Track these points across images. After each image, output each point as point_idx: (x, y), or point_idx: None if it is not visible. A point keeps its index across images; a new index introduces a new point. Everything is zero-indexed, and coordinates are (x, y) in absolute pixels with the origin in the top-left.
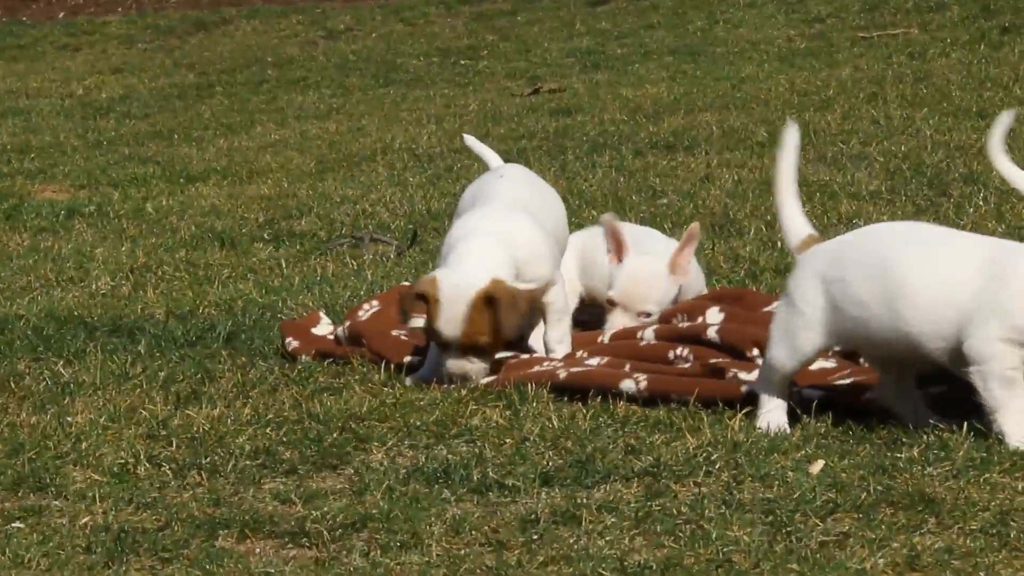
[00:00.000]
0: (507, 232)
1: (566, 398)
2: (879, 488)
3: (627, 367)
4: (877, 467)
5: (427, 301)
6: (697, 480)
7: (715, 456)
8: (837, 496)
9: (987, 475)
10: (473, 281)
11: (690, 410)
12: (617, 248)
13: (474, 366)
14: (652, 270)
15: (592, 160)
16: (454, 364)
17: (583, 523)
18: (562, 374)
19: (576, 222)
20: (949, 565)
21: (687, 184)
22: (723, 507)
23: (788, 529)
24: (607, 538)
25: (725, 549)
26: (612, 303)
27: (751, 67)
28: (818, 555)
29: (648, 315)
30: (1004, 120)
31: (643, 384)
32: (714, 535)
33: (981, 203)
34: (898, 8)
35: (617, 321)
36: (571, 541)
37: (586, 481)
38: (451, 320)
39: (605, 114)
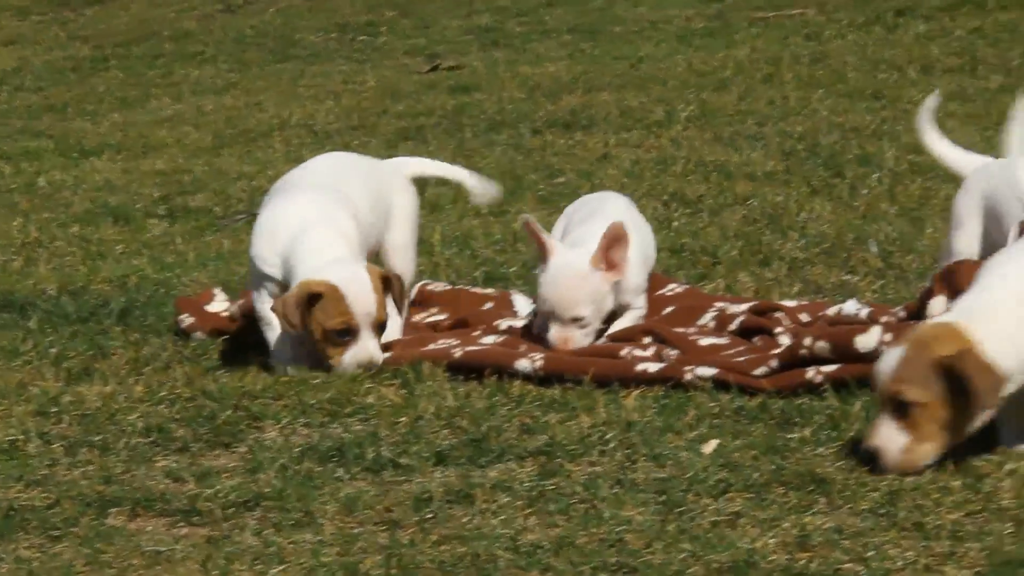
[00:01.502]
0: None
1: (461, 377)
2: (771, 468)
3: (523, 347)
4: (769, 447)
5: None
6: (591, 460)
7: (609, 436)
8: (729, 476)
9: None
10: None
11: (585, 389)
12: (541, 250)
13: (575, 334)
14: (576, 270)
15: (490, 138)
16: (558, 332)
17: (477, 502)
18: (457, 353)
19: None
20: (839, 544)
21: (585, 163)
22: (616, 487)
23: (680, 509)
24: (501, 517)
25: (618, 529)
26: (543, 314)
27: (649, 46)
28: (710, 534)
29: (581, 320)
30: (930, 103)
31: (539, 363)
32: (607, 515)
33: (875, 184)
34: None
35: (555, 335)
36: (464, 520)
37: (480, 460)
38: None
39: (503, 92)
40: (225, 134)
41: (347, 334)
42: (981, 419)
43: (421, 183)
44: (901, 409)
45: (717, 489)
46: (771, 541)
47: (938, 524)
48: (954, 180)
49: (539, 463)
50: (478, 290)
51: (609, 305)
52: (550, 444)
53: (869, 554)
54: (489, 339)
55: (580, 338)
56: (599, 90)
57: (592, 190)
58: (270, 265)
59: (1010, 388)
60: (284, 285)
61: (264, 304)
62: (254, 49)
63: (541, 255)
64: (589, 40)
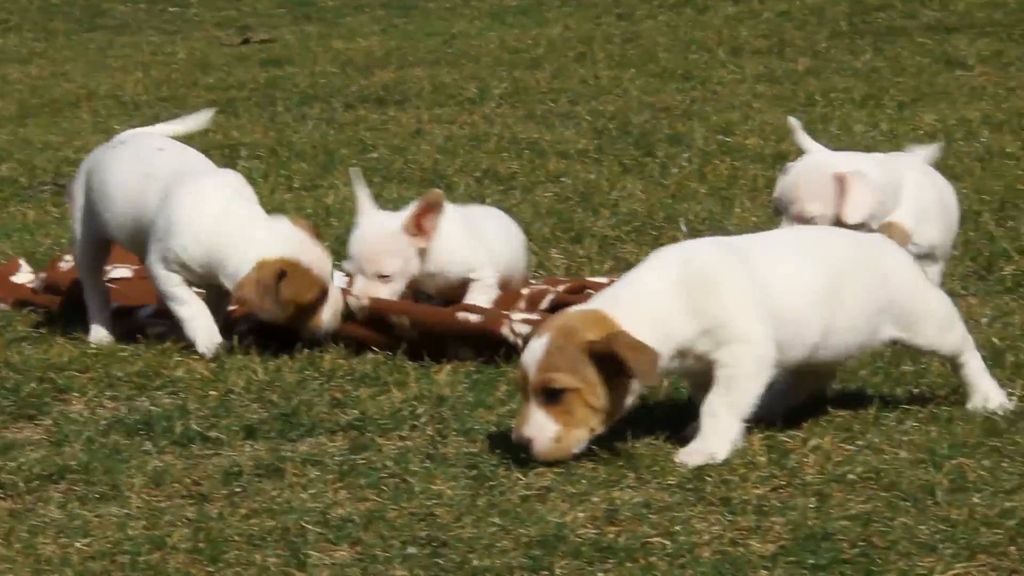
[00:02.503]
0: None
1: (271, 351)
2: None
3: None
4: None
5: None
6: (402, 434)
7: (420, 410)
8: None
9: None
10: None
11: (397, 363)
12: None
13: None
14: (385, 229)
15: (302, 112)
16: (362, 285)
17: (287, 476)
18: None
19: (285, 175)
20: (647, 519)
21: (398, 139)
22: (427, 461)
23: (491, 483)
24: (311, 491)
25: (428, 503)
26: (351, 270)
27: (462, 23)
28: (519, 509)
29: (387, 278)
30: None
31: (364, 302)
32: (418, 489)
33: (685, 164)
34: None
35: (359, 287)
36: (274, 494)
37: (291, 434)
38: None
39: (316, 66)
40: (30, 104)
41: (322, 300)
42: (632, 398)
43: (231, 158)
44: (551, 397)
45: (527, 464)
46: (580, 515)
47: (744, 499)
48: (763, 161)
49: (350, 437)
50: None
51: (414, 269)
52: (361, 418)
53: (676, 528)
54: None
55: (385, 294)
56: (412, 66)
57: (405, 167)
58: (192, 256)
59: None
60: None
61: (175, 287)
62: (60, 18)
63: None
64: (402, 16)
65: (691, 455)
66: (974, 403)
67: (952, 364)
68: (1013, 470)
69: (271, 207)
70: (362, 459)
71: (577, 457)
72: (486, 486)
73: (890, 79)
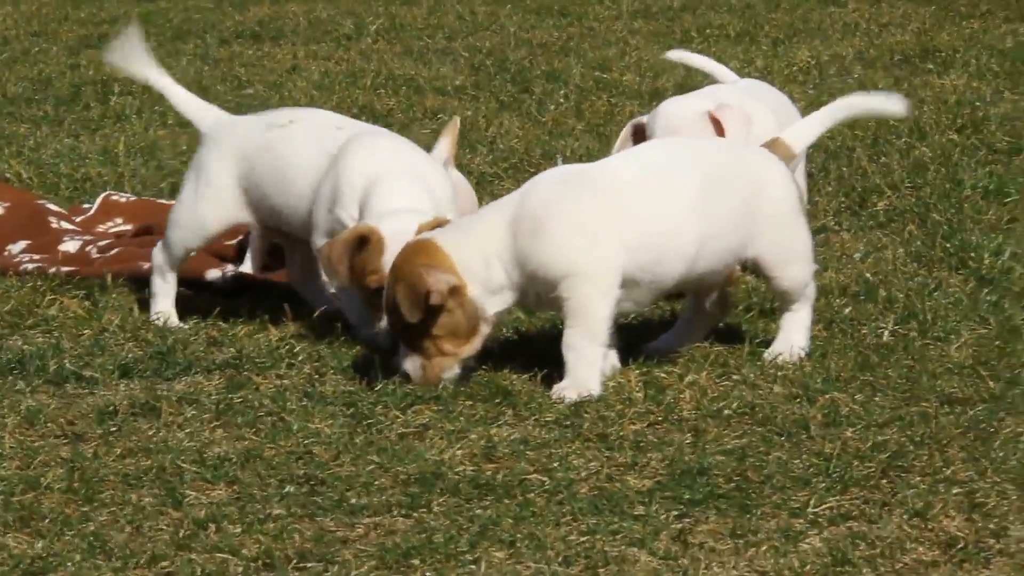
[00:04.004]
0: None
1: (147, 291)
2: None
3: (214, 261)
4: None
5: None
6: (279, 373)
7: (298, 349)
8: (417, 388)
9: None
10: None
11: (275, 303)
12: None
13: None
14: None
15: (176, 48)
16: None
17: (162, 415)
18: (146, 265)
19: (159, 111)
20: (524, 455)
21: (273, 75)
22: (305, 400)
23: (369, 421)
24: (187, 430)
25: (306, 441)
26: None
27: None
28: (398, 447)
29: None
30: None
31: (229, 274)
32: (295, 427)
33: (562, 100)
34: None
35: None
36: (150, 433)
37: (166, 373)
38: None
39: (189, 1)
40: None
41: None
42: (485, 330)
43: (104, 94)
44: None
45: (405, 402)
46: (458, 452)
47: (621, 435)
48: (639, 97)
49: (226, 376)
50: (164, 201)
51: None
52: (238, 357)
53: (554, 465)
54: None
55: None
56: (288, 1)
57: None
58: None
59: (494, 303)
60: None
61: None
62: None
63: None
64: None
65: (565, 390)
66: (776, 348)
67: (784, 301)
68: (885, 404)
69: (145, 143)
70: (239, 398)
71: (453, 394)
72: (364, 424)
73: (765, 15)
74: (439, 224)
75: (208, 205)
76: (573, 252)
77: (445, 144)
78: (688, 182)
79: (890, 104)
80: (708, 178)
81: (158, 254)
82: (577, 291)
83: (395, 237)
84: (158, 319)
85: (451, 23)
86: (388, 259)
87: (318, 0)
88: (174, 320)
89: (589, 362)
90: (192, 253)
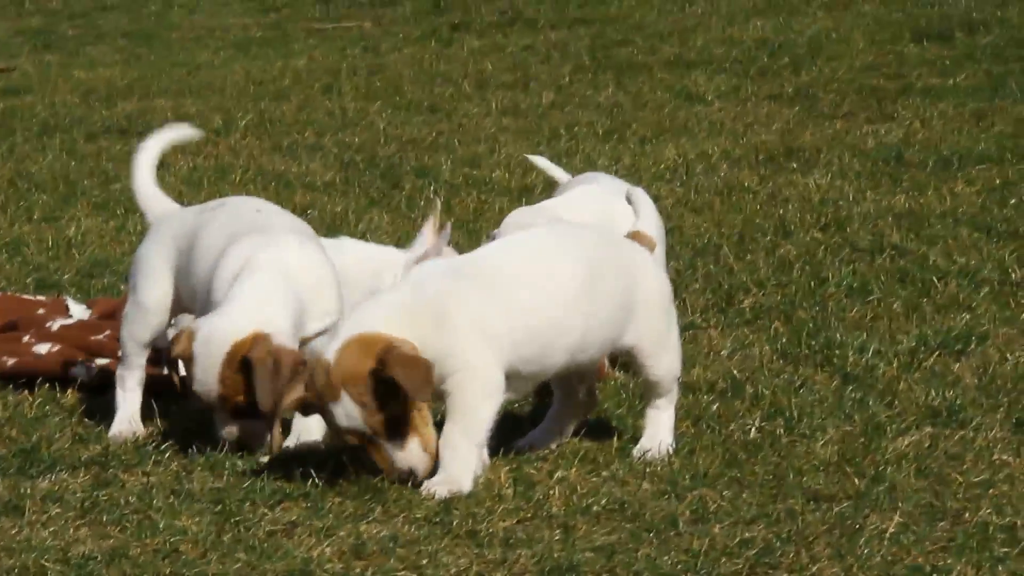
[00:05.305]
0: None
1: (12, 386)
2: (324, 478)
3: (80, 356)
4: (325, 456)
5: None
6: (146, 470)
7: (165, 445)
8: (285, 486)
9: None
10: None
11: (144, 399)
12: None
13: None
14: None
15: (42, 143)
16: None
17: (27, 513)
18: (9, 362)
19: (24, 206)
20: (394, 552)
21: None
22: (172, 497)
23: (237, 519)
24: (51, 528)
25: (173, 539)
26: None
27: (207, 54)
28: (266, 544)
29: None
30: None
31: (94, 371)
32: (162, 525)
33: (431, 196)
34: (353, 1)
35: None
36: (13, 532)
37: (31, 471)
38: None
39: (56, 96)
40: None
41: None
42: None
43: None
44: (393, 429)
45: (274, 499)
46: (328, 550)
47: (491, 532)
48: (509, 194)
49: (93, 473)
50: (28, 297)
51: None
52: (104, 454)
53: (423, 562)
54: (43, 347)
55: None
56: (156, 96)
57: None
58: None
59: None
60: None
61: None
62: None
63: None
64: (144, 45)
65: (436, 486)
66: (644, 445)
67: (654, 393)
68: (752, 500)
69: (10, 239)
70: (105, 495)
71: (324, 491)
72: (231, 521)
73: (632, 113)
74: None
75: (147, 291)
76: (470, 348)
77: (428, 231)
78: (575, 272)
79: None
80: (591, 267)
81: (118, 366)
82: (465, 389)
83: (203, 353)
84: (116, 437)
85: (321, 119)
86: (198, 382)
87: (187, 95)
88: (134, 429)
89: (464, 460)
90: (146, 348)
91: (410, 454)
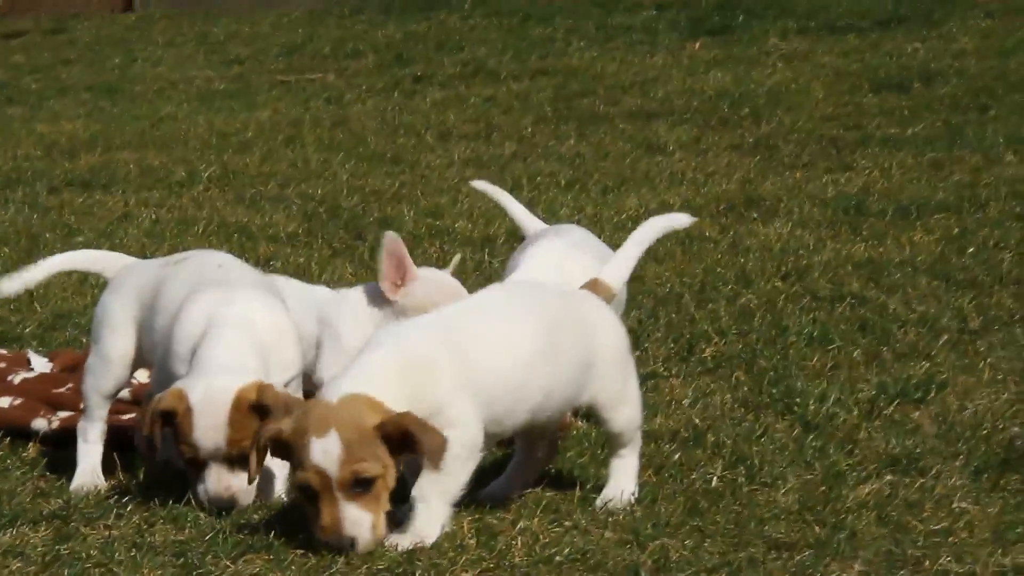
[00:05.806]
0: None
1: None
2: (287, 530)
3: (41, 409)
4: (287, 509)
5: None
6: (108, 523)
7: (127, 499)
8: (248, 539)
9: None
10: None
11: (107, 449)
12: None
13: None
14: None
15: (4, 196)
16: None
17: None
18: None
19: None
20: None
21: (104, 223)
22: (134, 550)
23: (199, 572)
24: None
25: None
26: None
27: (170, 106)
28: None
29: None
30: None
31: (56, 424)
32: None
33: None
34: (316, 53)
35: None
36: None
37: None
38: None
39: (19, 149)
40: None
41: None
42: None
43: None
44: (361, 487)
45: (236, 551)
46: None
47: None
48: (472, 244)
49: (54, 527)
50: None
51: None
52: (66, 508)
53: None
54: (4, 400)
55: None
56: (119, 149)
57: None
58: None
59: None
60: None
61: None
62: None
63: None
64: (107, 98)
65: (402, 538)
66: (607, 494)
67: (616, 444)
68: (714, 549)
69: None
70: (66, 549)
71: (286, 544)
72: (194, 574)
73: (594, 164)
74: (259, 387)
75: (110, 343)
76: (457, 406)
77: (391, 274)
78: (536, 332)
79: (676, 220)
80: (551, 326)
81: (81, 418)
82: (449, 448)
83: (206, 405)
84: (79, 490)
85: (284, 170)
86: (200, 431)
87: (150, 148)
88: (96, 482)
89: (436, 517)
90: (108, 400)
91: (359, 525)
